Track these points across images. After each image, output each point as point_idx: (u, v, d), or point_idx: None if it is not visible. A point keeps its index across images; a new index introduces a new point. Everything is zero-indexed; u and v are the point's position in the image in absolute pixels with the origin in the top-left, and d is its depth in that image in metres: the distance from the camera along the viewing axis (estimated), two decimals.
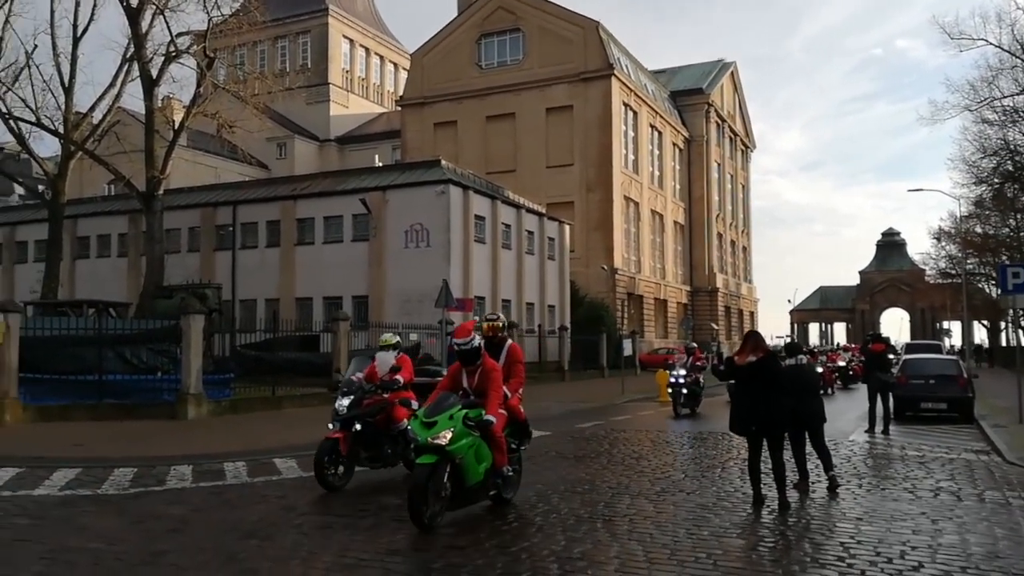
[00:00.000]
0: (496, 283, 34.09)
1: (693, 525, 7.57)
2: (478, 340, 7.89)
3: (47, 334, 17.18)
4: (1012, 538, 7.27)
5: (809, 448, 9.77)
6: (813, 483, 9.66)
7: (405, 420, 9.24)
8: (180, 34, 27.38)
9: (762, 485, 8.69)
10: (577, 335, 39.01)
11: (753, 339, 8.85)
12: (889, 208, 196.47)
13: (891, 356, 18.15)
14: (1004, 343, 60.98)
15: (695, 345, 23.03)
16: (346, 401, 9.38)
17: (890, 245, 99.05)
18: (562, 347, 37.03)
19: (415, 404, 9.42)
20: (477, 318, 9.01)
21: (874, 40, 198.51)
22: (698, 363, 20.88)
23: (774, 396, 8.45)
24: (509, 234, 35.54)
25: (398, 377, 9.58)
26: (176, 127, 27.71)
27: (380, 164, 42.21)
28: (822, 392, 12.78)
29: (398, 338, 10.57)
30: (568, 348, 37.42)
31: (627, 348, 31.64)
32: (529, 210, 37.73)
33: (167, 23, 26.89)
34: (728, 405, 21.95)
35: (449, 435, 7.06)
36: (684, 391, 19.56)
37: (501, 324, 8.65)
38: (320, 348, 24.46)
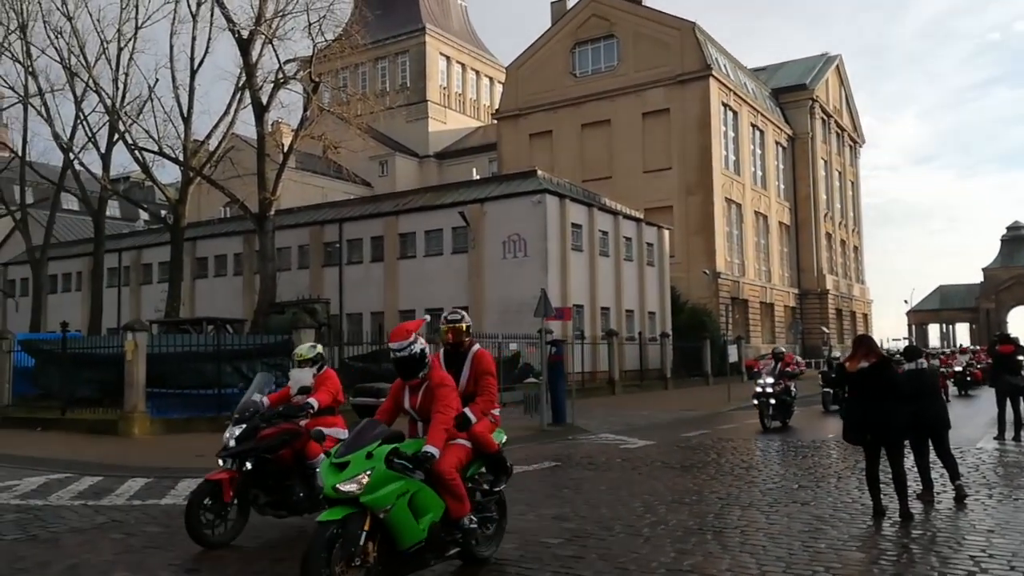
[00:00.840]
0: (594, 291, 33.92)
1: (809, 537, 7.27)
2: (420, 344, 5.98)
3: (171, 351, 18.19)
4: None
5: (933, 456, 9.23)
6: (938, 493, 9.13)
7: (322, 455, 6.94)
8: (287, 61, 28.63)
9: (882, 496, 8.27)
10: (679, 342, 38.30)
11: (865, 344, 8.44)
12: (1015, 200, 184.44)
13: (1020, 358, 16.95)
14: None
15: (783, 350, 20.84)
16: (238, 430, 7.28)
17: (1017, 239, 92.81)
18: (664, 354, 36.48)
19: (343, 433, 7.03)
20: (428, 317, 7.02)
21: (989, 24, 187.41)
22: (788, 369, 18.78)
23: (889, 403, 8.04)
24: (606, 241, 35.30)
25: (310, 400, 7.47)
26: (285, 150, 28.92)
27: (478, 177, 42.82)
28: None
29: (319, 348, 8.32)
30: (670, 355, 36.80)
31: (732, 354, 30.71)
32: (626, 216, 37.39)
33: (275, 51, 28.21)
34: (823, 416, 20.78)
35: (364, 479, 5.09)
36: (772, 401, 17.71)
37: (465, 326, 6.65)
38: None
